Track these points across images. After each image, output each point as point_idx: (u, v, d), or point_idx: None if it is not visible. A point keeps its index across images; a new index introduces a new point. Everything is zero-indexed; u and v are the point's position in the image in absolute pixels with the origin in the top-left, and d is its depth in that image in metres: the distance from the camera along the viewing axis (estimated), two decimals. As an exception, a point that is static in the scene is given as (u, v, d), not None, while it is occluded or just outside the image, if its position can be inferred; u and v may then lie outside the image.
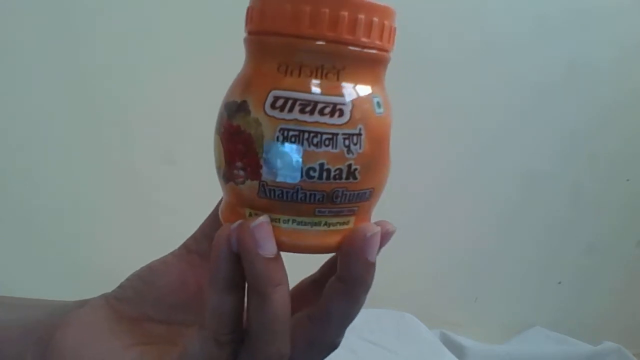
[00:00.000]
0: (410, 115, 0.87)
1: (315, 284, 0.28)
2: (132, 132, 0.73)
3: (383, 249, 0.24)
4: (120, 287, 0.29)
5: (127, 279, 0.29)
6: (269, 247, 0.22)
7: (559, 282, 1.07)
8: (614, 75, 0.98)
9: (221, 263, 0.23)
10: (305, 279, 0.29)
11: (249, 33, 0.24)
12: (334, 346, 0.25)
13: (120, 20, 0.70)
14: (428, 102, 0.87)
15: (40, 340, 0.26)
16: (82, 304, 0.29)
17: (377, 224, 0.24)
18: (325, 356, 0.26)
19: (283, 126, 0.21)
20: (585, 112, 0.98)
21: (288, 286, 0.23)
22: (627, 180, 1.04)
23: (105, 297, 0.29)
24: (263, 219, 0.22)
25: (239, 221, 0.23)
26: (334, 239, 0.23)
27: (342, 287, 0.24)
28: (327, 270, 0.28)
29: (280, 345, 0.23)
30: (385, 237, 0.24)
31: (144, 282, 0.29)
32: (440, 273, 0.97)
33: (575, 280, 1.08)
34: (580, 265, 1.07)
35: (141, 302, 0.28)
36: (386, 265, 0.99)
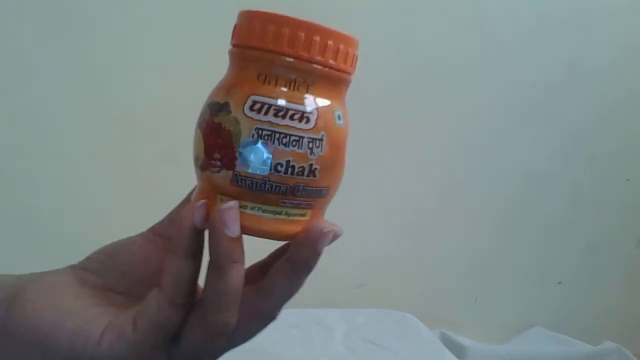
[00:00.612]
0: (410, 116, 0.87)
1: (263, 268, 0.31)
2: (133, 132, 0.73)
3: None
4: (86, 259, 0.32)
5: (94, 252, 0.32)
6: (234, 228, 0.25)
7: (559, 282, 1.07)
8: (614, 75, 0.98)
9: (184, 234, 0.26)
10: (255, 263, 0.32)
11: (234, 46, 0.27)
12: (272, 318, 0.29)
13: (121, 20, 0.69)
14: (428, 102, 0.87)
15: (4, 300, 0.28)
16: (48, 272, 0.31)
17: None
18: (264, 326, 0.29)
19: (258, 126, 0.25)
20: (585, 112, 0.99)
21: (244, 265, 0.27)
22: (627, 180, 1.04)
23: (71, 266, 0.31)
24: (233, 203, 0.26)
25: (203, 200, 0.27)
26: (291, 228, 0.27)
27: (289, 267, 0.27)
28: (275, 257, 0.31)
29: (229, 315, 0.26)
30: (334, 237, 0.27)
31: (109, 256, 0.32)
32: (440, 273, 0.97)
33: (575, 280, 1.08)
34: (580, 265, 1.07)
35: (105, 274, 0.31)
36: (387, 265, 0.98)
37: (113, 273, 0.31)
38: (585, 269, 1.07)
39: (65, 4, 0.67)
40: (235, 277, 0.26)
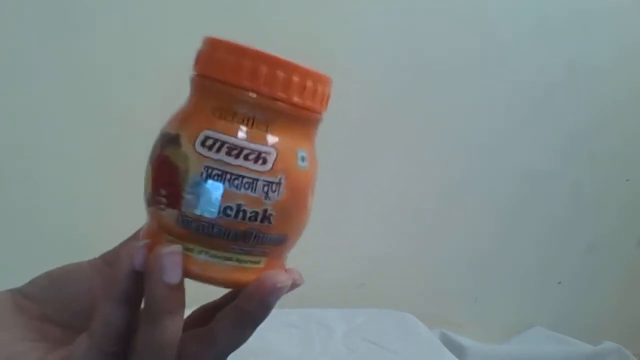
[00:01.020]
0: (410, 116, 0.87)
1: (213, 311, 0.28)
2: (133, 132, 0.73)
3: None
4: (30, 282, 0.29)
5: (39, 276, 0.30)
6: (174, 275, 0.23)
7: (559, 282, 1.07)
8: (614, 75, 0.98)
9: (120, 276, 0.24)
10: (207, 303, 0.30)
11: (195, 74, 0.25)
12: None
13: (121, 19, 0.69)
14: (429, 102, 0.87)
15: None
16: None
17: (288, 271, 0.26)
18: None
19: (208, 164, 0.23)
20: (585, 112, 0.99)
21: (183, 316, 0.24)
22: (627, 180, 1.04)
23: (11, 291, 0.29)
24: (176, 248, 0.23)
25: (145, 240, 0.24)
26: (243, 276, 0.24)
27: (235, 318, 0.25)
28: (230, 299, 0.28)
29: None
30: (292, 288, 0.25)
31: (52, 283, 0.29)
32: (440, 273, 0.97)
33: (575, 280, 1.08)
34: (580, 265, 1.07)
35: (45, 302, 0.28)
36: (387, 265, 0.98)
37: (53, 302, 0.29)
38: (585, 269, 1.07)
39: (66, 4, 0.67)
40: (170, 330, 0.23)
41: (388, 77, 0.82)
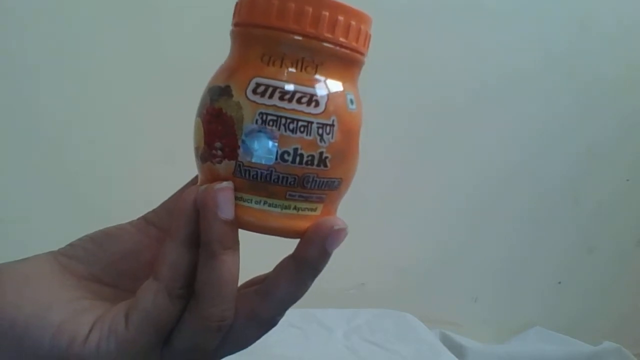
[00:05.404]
0: (408, 116, 0.87)
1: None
2: (133, 132, 0.73)
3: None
4: (70, 245, 0.29)
5: (79, 239, 0.29)
6: (227, 211, 0.23)
7: (559, 282, 1.07)
8: (613, 75, 0.98)
9: (184, 218, 0.24)
10: (259, 275, 0.29)
11: (236, 25, 0.25)
12: (272, 323, 0.26)
13: (121, 20, 0.69)
14: (427, 101, 0.87)
15: None
16: (25, 259, 0.28)
17: None
18: (263, 333, 0.26)
19: (262, 111, 0.23)
20: (586, 111, 0.98)
21: (239, 253, 0.24)
22: (627, 180, 1.04)
23: (52, 253, 0.28)
24: (227, 184, 0.23)
25: (206, 185, 0.24)
26: (301, 224, 0.25)
27: (293, 267, 0.25)
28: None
29: (224, 308, 0.24)
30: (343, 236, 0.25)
31: (96, 244, 0.29)
32: (440, 273, 0.97)
33: (575, 280, 1.08)
34: (580, 265, 1.07)
35: (90, 263, 0.28)
36: (386, 265, 0.98)
37: (100, 262, 0.28)
38: (585, 269, 1.07)
39: (66, 5, 0.67)
40: (229, 264, 0.23)
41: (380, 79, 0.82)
